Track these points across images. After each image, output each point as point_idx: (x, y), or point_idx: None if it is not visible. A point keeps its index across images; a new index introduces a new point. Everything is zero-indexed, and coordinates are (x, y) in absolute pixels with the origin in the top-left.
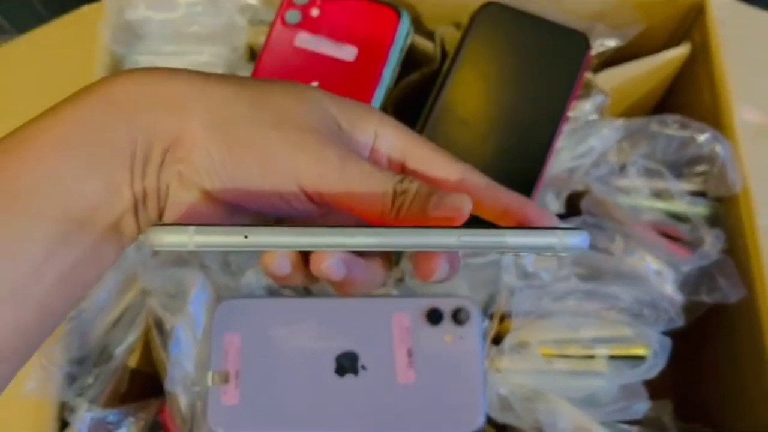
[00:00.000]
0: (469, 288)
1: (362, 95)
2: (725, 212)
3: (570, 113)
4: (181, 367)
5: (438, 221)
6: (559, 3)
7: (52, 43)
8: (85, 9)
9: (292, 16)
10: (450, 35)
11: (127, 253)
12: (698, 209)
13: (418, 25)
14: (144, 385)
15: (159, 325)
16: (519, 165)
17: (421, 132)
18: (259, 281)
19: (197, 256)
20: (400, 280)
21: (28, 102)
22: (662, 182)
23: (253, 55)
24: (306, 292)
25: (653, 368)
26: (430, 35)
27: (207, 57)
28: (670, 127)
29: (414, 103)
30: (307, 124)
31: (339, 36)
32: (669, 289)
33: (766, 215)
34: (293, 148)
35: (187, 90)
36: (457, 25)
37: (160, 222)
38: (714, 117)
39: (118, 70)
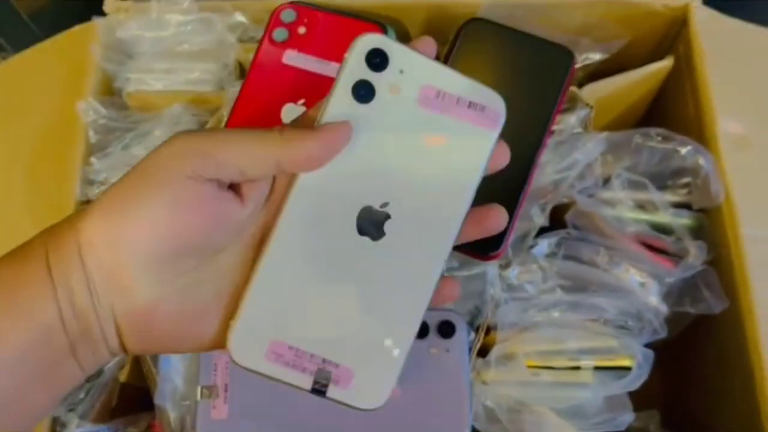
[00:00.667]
0: (454, 301)
1: None
2: (709, 223)
3: (554, 126)
4: (171, 382)
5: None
6: (543, 18)
7: (45, 61)
8: (77, 28)
9: (280, 33)
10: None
11: None
12: (682, 221)
13: (405, 41)
14: (134, 400)
15: None
16: (504, 178)
17: None
18: None
19: None
20: None
21: (23, 119)
22: (646, 194)
23: (243, 71)
24: None
25: (637, 379)
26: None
27: (198, 74)
28: (654, 140)
29: None
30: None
31: (326, 53)
32: (653, 300)
33: (749, 225)
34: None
35: None
36: (443, 41)
37: None
38: (697, 129)
39: None
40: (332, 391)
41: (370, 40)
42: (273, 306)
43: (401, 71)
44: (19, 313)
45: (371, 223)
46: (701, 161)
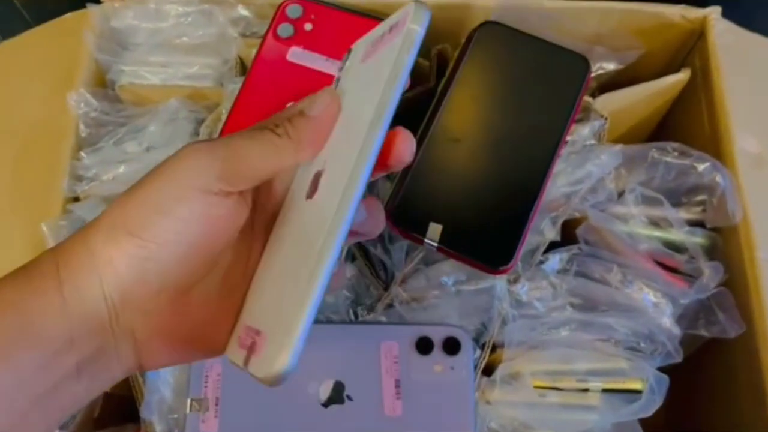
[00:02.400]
0: (459, 316)
1: None
2: (724, 243)
3: (568, 137)
4: (158, 393)
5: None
6: (558, 24)
7: (35, 49)
8: (70, 15)
9: (285, 29)
10: (446, 53)
11: None
12: (696, 239)
13: None
14: (118, 410)
15: None
16: (516, 189)
17: (417, 149)
18: None
19: None
20: (390, 305)
21: (10, 109)
22: (660, 210)
23: (245, 68)
24: None
25: (649, 405)
26: (425, 53)
27: (197, 69)
28: (670, 155)
29: (407, 121)
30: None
31: (332, 51)
32: (667, 321)
33: (765, 248)
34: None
35: None
36: (454, 44)
37: None
38: (714, 144)
39: None
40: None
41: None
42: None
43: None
44: (25, 333)
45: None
46: (719, 179)
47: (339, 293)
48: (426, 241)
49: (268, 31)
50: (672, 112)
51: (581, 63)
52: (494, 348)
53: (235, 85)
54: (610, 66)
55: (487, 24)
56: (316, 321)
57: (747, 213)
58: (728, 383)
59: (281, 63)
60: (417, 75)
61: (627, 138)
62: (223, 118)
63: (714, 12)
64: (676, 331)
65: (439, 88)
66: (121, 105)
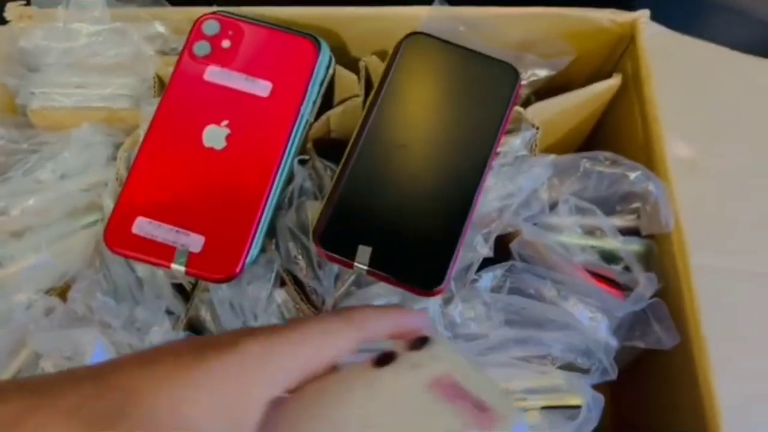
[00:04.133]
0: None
1: (278, 132)
2: (659, 250)
3: (499, 149)
4: None
5: None
6: (487, 33)
7: None
8: None
9: (201, 47)
10: (374, 65)
11: (15, 310)
12: (631, 247)
13: (341, 56)
14: None
15: None
16: (446, 205)
17: (344, 169)
18: (168, 340)
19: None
20: None
21: None
22: (594, 220)
23: (164, 87)
24: None
25: (588, 423)
26: (354, 66)
27: (112, 89)
28: (602, 164)
29: (337, 137)
30: None
31: (252, 70)
32: (603, 336)
33: (699, 255)
34: None
35: None
36: (382, 54)
37: None
38: (646, 151)
39: None
40: None
41: None
42: None
43: None
44: None
45: None
46: (651, 187)
47: (269, 319)
48: (355, 264)
49: (183, 50)
50: (606, 118)
51: (510, 73)
52: None
53: (152, 107)
54: (542, 73)
55: (412, 35)
56: None
57: (679, 220)
58: (667, 391)
59: (199, 83)
60: (346, 88)
61: (560, 146)
62: (140, 141)
63: (643, 15)
64: (613, 343)
65: (366, 104)
66: (33, 131)
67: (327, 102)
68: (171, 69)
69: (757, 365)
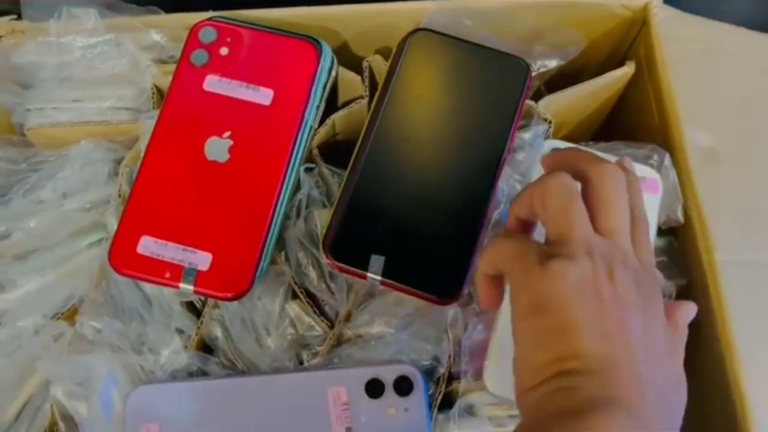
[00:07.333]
0: (411, 350)
1: (282, 141)
2: (680, 246)
3: (512, 146)
4: None
5: None
6: (494, 25)
7: None
8: None
9: (199, 56)
10: (378, 65)
11: (22, 336)
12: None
13: (343, 56)
14: None
15: (66, 417)
16: (461, 210)
17: (352, 175)
18: (180, 361)
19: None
20: (336, 345)
21: None
22: None
23: (163, 97)
24: (232, 371)
25: None
26: (356, 65)
27: (111, 102)
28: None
29: (343, 141)
30: None
31: (252, 77)
32: None
33: (724, 249)
34: None
35: None
36: (387, 53)
37: None
38: (663, 138)
39: None
40: None
41: None
42: None
43: None
44: None
45: None
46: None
47: (282, 333)
48: (369, 275)
49: (180, 59)
50: (620, 106)
51: (520, 66)
52: (454, 378)
53: (151, 121)
54: (552, 63)
55: (417, 32)
56: (257, 373)
57: (701, 212)
58: (694, 389)
59: (198, 94)
60: (350, 90)
61: (573, 137)
62: (141, 155)
63: None
64: None
65: (372, 105)
66: (31, 150)
67: (331, 105)
68: (169, 78)
69: None
